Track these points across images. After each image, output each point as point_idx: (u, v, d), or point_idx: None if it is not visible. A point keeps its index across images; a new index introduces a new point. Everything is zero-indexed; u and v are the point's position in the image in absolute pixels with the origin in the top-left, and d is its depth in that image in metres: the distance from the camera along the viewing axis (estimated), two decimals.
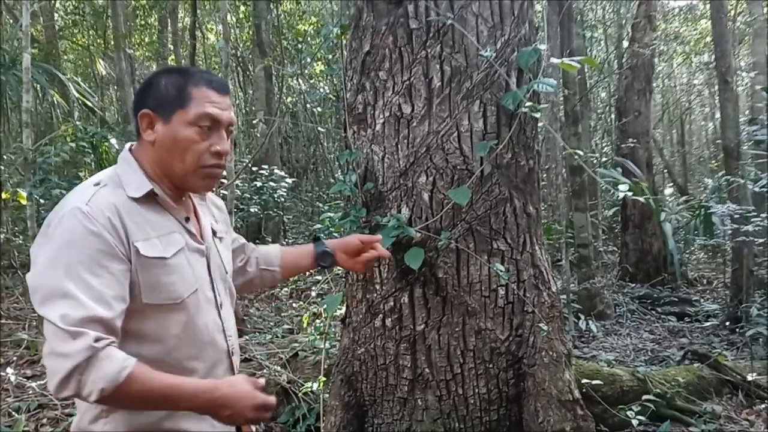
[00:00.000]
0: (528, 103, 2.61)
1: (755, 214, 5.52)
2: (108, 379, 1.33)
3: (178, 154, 1.55)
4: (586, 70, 9.99)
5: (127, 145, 1.64)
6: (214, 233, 1.75)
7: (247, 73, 13.53)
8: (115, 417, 1.48)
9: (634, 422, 3.29)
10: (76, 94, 9.25)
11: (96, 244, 1.41)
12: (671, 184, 15.24)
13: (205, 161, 1.56)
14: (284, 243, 10.79)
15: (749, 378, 4.32)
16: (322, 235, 1.98)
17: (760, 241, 6.20)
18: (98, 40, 13.47)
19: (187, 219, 1.64)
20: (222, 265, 1.74)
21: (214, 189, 1.80)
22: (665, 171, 16.29)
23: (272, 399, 1.50)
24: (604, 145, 15.69)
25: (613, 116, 12.60)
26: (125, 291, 1.44)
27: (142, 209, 1.53)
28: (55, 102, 9.27)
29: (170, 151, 1.55)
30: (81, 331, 1.33)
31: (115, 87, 13.29)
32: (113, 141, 7.35)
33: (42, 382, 4.79)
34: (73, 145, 6.94)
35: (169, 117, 1.55)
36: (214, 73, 1.66)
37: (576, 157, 2.83)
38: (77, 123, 8.25)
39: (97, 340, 1.34)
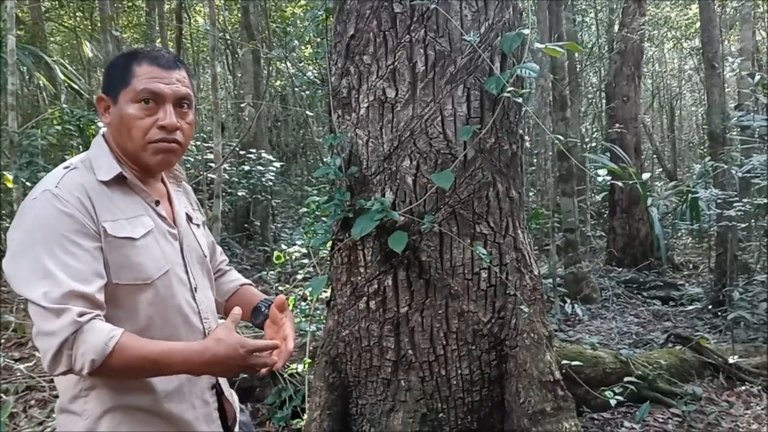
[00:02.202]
0: (511, 88, 2.62)
1: (737, 199, 5.58)
2: (96, 350, 1.36)
3: (126, 132, 1.56)
4: (576, 54, 9.99)
5: (102, 130, 1.66)
6: (189, 219, 1.76)
7: (236, 56, 13.44)
8: (95, 394, 1.50)
9: (612, 402, 3.34)
10: (63, 77, 9.17)
11: (68, 224, 1.43)
12: (660, 169, 15.30)
13: (152, 136, 1.55)
14: (273, 227, 10.78)
15: (730, 360, 4.40)
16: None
17: (744, 225, 6.27)
18: (85, 22, 13.33)
19: (158, 202, 1.64)
20: (199, 248, 1.75)
21: (180, 171, 1.80)
22: (654, 156, 16.36)
23: (259, 343, 1.50)
24: (594, 130, 15.74)
25: (603, 101, 12.62)
26: (101, 267, 1.46)
27: (111, 192, 1.54)
28: (41, 84, 9.18)
29: (120, 131, 1.57)
30: (64, 308, 1.36)
31: (102, 69, 13.18)
32: (100, 124, 7.30)
33: (30, 364, 4.80)
34: (60, 128, 6.90)
35: (116, 97, 1.57)
36: (165, 51, 1.65)
37: (557, 142, 2.85)
38: (64, 106, 8.20)
39: (80, 314, 1.36)
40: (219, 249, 2.02)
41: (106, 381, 1.49)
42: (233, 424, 1.80)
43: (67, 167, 1.54)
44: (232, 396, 1.82)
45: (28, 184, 5.85)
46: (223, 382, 1.78)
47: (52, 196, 1.45)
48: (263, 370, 1.55)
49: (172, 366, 1.45)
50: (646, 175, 9.86)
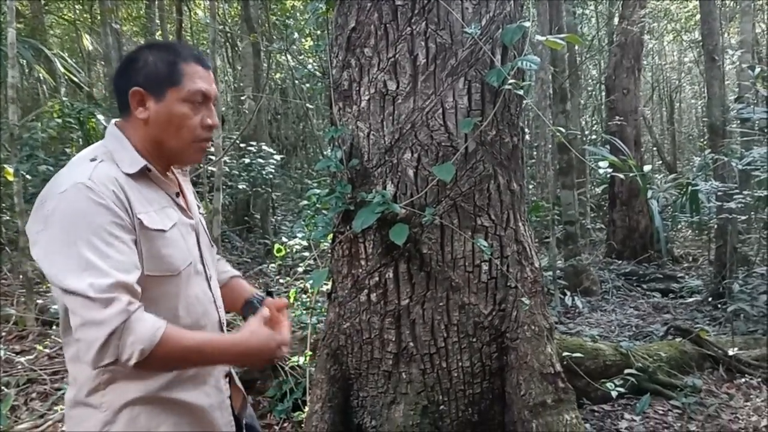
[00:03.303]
0: (512, 81, 2.62)
1: (738, 191, 5.58)
2: (145, 339, 1.37)
3: (173, 131, 1.58)
4: (576, 47, 9.98)
5: (113, 121, 1.65)
6: (198, 208, 1.79)
7: (236, 48, 13.41)
8: (114, 387, 1.51)
9: (613, 394, 3.36)
10: (63, 70, 9.15)
11: (106, 216, 1.43)
12: (660, 162, 15.29)
13: (199, 135, 1.60)
14: (273, 220, 10.78)
15: (730, 352, 4.41)
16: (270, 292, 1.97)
17: (744, 218, 6.27)
18: (85, 15, 13.31)
19: (177, 194, 1.66)
20: (208, 237, 1.78)
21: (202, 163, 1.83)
22: (654, 149, 16.35)
23: (286, 337, 1.60)
24: (593, 122, 15.72)
25: (602, 94, 12.60)
26: (137, 259, 1.47)
27: (138, 185, 1.55)
28: (41, 77, 9.17)
29: (165, 128, 1.58)
30: (113, 297, 1.37)
31: (102, 62, 13.16)
32: (100, 117, 7.30)
33: (31, 357, 4.81)
34: (60, 121, 6.90)
35: (162, 94, 1.56)
36: (198, 49, 1.69)
37: (558, 134, 2.85)
38: (64, 99, 8.19)
39: (129, 303, 1.38)
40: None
41: (125, 374, 1.49)
42: (242, 412, 1.82)
43: (93, 159, 1.53)
44: (240, 385, 1.84)
45: (28, 177, 5.85)
46: (233, 374, 1.81)
47: (87, 188, 1.44)
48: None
49: (212, 356, 1.51)
50: (647, 167, 9.86)
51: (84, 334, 1.37)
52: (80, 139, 7.61)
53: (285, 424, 3.62)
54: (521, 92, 2.71)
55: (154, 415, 1.53)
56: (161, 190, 1.61)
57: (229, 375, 1.76)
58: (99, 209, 1.43)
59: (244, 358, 1.58)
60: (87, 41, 12.27)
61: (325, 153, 9.84)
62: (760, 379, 4.18)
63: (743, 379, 4.23)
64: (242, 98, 10.75)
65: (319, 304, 3.96)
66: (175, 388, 1.56)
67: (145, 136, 1.59)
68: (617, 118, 9.10)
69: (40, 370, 4.50)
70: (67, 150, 7.57)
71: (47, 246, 1.43)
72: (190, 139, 1.59)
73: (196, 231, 1.69)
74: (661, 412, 3.82)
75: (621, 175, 2.87)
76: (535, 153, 10.17)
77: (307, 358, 3.59)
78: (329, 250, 3.24)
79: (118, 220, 1.44)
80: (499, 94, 2.76)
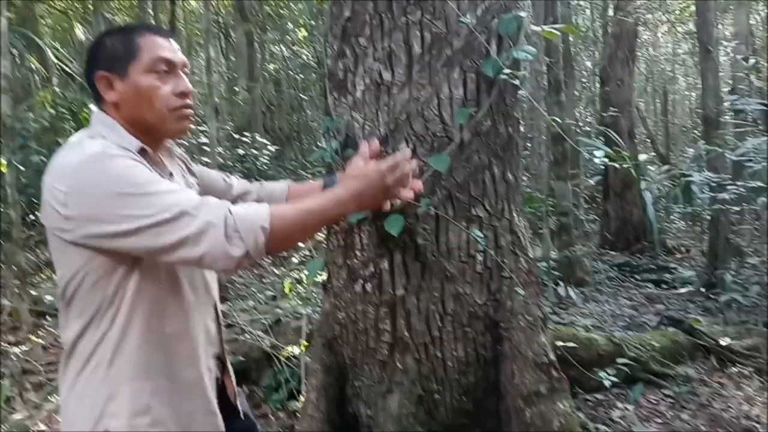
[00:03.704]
0: (507, 71, 2.62)
1: (732, 182, 5.60)
2: (260, 216, 1.42)
3: (145, 104, 1.56)
4: (570, 38, 9.97)
5: (96, 109, 1.64)
6: (189, 186, 1.79)
7: (229, 39, 13.35)
8: (114, 365, 1.51)
9: (607, 383, 3.38)
10: (55, 60, 9.10)
11: (142, 168, 1.45)
12: (653, 153, 15.33)
13: (173, 104, 1.58)
14: None
15: (722, 342, 4.44)
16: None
17: (737, 209, 6.30)
18: (76, 5, 13.20)
19: (171, 174, 1.66)
20: None
21: (189, 132, 1.82)
22: (648, 140, 16.38)
23: (389, 160, 1.63)
24: (587, 114, 15.73)
25: (597, 85, 12.60)
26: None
27: None
28: (33, 68, 9.11)
29: (137, 104, 1.56)
30: (200, 201, 1.41)
31: None
32: (93, 107, 7.25)
33: (25, 348, 4.81)
34: (53, 111, 6.87)
35: (125, 72, 1.55)
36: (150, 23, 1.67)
37: (554, 125, 2.85)
38: (56, 89, 8.14)
39: (218, 200, 1.43)
40: (226, 175, 2.06)
41: (124, 353, 1.51)
42: (235, 398, 1.83)
43: (91, 137, 1.53)
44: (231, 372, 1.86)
45: (21, 167, 5.83)
46: (226, 359, 1.83)
47: (109, 156, 1.43)
48: (406, 194, 1.73)
49: (328, 210, 1.52)
50: (643, 157, 9.87)
51: (197, 246, 1.38)
52: (73, 130, 7.58)
53: (280, 413, 3.63)
54: (517, 82, 2.70)
55: (156, 393, 1.54)
56: (157, 171, 1.60)
57: (220, 358, 1.77)
58: (133, 164, 1.44)
59: (361, 200, 1.57)
60: (79, 31, 12.19)
61: (319, 144, 9.82)
62: (752, 369, 4.21)
63: (735, 369, 4.26)
64: (236, 89, 10.70)
65: (315, 295, 3.96)
66: (175, 366, 1.58)
67: (124, 118, 1.58)
68: (611, 109, 9.11)
69: (35, 361, 4.50)
70: (60, 141, 7.53)
71: (99, 215, 1.40)
72: (165, 108, 1.57)
73: None
74: (653, 401, 3.85)
75: (617, 165, 2.88)
76: (529, 145, 10.18)
77: (303, 348, 3.60)
78: (324, 241, 3.24)
79: (154, 175, 1.47)
80: (494, 84, 2.76)
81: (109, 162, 1.41)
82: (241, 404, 1.88)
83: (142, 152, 1.55)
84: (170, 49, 1.59)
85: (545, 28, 2.81)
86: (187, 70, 1.66)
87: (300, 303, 3.95)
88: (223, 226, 1.37)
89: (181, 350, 1.59)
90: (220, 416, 1.70)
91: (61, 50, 10.43)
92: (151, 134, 1.61)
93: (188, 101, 1.61)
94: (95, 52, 1.60)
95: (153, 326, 1.53)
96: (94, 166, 1.41)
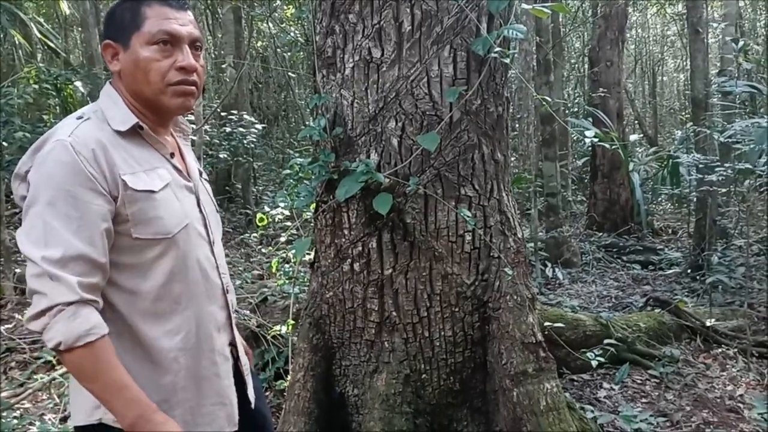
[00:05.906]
0: (498, 49, 2.59)
1: (719, 164, 5.62)
2: (70, 335, 1.34)
3: (142, 77, 1.52)
4: (560, 18, 9.93)
5: (108, 82, 1.61)
6: (200, 173, 1.75)
7: (216, 15, 13.18)
8: (123, 339, 1.49)
9: (593, 363, 3.40)
10: (39, 35, 8.95)
11: (78, 179, 1.39)
12: (641, 135, 15.37)
13: (171, 78, 1.52)
14: (254, 190, 10.72)
15: (708, 323, 4.48)
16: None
17: (724, 191, 6.33)
18: None
19: (172, 155, 1.62)
20: (212, 201, 1.75)
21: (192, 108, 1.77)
22: (636, 122, 16.41)
23: None
24: (576, 95, 15.73)
25: (586, 66, 12.58)
26: (110, 225, 1.43)
27: (127, 143, 1.51)
28: (17, 43, 8.96)
29: (135, 76, 1.52)
30: (60, 275, 1.35)
31: (79, 28, 12.88)
32: (78, 84, 7.15)
33: (10, 326, 4.77)
34: (36, 87, 6.76)
35: (128, 42, 1.52)
36: None
37: (544, 104, 2.83)
38: (40, 65, 8.02)
39: (78, 285, 1.35)
40: None
41: (132, 331, 1.50)
42: (245, 378, 1.80)
43: (79, 117, 1.49)
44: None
45: (4, 144, 5.75)
46: (239, 338, 1.80)
47: (63, 147, 1.40)
48: None
49: (117, 397, 1.39)
50: (633, 137, 9.87)
51: (30, 296, 1.38)
52: (57, 106, 7.48)
53: (267, 393, 3.63)
54: (507, 61, 2.68)
55: (154, 386, 1.51)
56: (154, 150, 1.57)
57: (233, 344, 1.75)
58: (71, 170, 1.39)
59: (133, 425, 1.39)
60: (64, 6, 11.98)
61: (307, 122, 9.76)
62: (736, 350, 4.25)
63: (720, 350, 4.30)
64: (223, 66, 10.60)
65: (302, 274, 3.95)
66: (179, 353, 1.55)
67: (126, 90, 1.55)
68: (600, 90, 9.09)
69: (19, 339, 4.47)
70: (45, 117, 7.43)
71: (25, 205, 1.42)
72: (161, 82, 1.51)
73: (196, 193, 1.65)
74: (639, 381, 3.88)
75: (606, 145, 2.87)
76: (517, 125, 10.16)
77: (290, 327, 3.59)
78: (312, 220, 3.22)
79: (92, 185, 1.40)
80: (484, 63, 2.73)
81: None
82: (256, 389, 1.85)
83: (135, 130, 1.52)
84: (178, 21, 1.53)
85: (535, 6, 2.78)
86: (200, 44, 1.59)
87: (287, 282, 3.93)
88: (48, 306, 1.34)
89: (180, 343, 1.55)
90: (233, 406, 1.67)
91: (45, 25, 10.24)
92: (152, 109, 1.56)
93: (189, 77, 1.54)
94: (107, 20, 1.57)
95: (149, 321, 1.50)
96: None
